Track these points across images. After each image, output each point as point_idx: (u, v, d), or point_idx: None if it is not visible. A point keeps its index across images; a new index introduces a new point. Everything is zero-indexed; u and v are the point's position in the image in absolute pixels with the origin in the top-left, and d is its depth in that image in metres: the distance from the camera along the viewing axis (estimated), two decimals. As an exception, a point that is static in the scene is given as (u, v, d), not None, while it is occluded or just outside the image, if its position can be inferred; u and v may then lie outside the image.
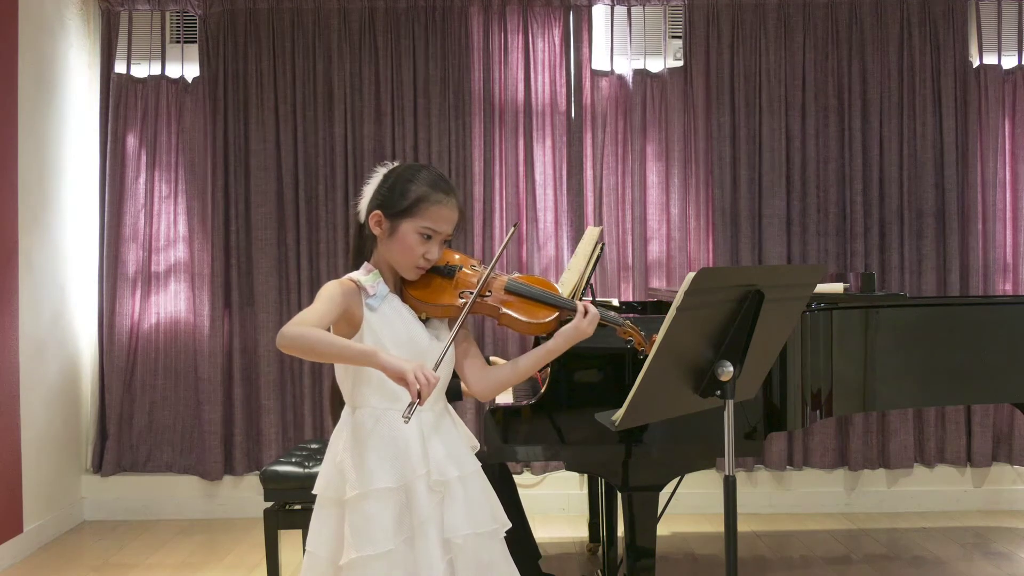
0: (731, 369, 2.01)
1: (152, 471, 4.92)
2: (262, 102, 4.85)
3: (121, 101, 4.87)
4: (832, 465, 4.93)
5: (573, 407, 2.85)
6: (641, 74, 4.92)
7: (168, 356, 4.90)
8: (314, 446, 3.60)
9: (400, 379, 1.83)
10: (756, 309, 2.01)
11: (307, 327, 1.88)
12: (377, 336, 2.02)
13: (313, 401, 4.83)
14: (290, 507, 3.25)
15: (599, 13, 4.99)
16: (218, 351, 4.81)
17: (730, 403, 2.04)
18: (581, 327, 2.08)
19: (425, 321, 2.12)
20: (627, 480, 2.85)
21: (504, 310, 2.11)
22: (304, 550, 2.10)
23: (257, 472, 4.73)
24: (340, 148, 4.86)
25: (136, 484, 4.91)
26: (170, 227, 4.92)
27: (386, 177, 2.11)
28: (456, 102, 4.87)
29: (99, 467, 4.87)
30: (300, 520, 3.31)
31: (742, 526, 4.38)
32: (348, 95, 4.86)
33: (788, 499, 4.96)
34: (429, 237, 2.06)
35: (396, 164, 2.17)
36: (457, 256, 2.18)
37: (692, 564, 4.14)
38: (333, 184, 4.86)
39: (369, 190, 2.12)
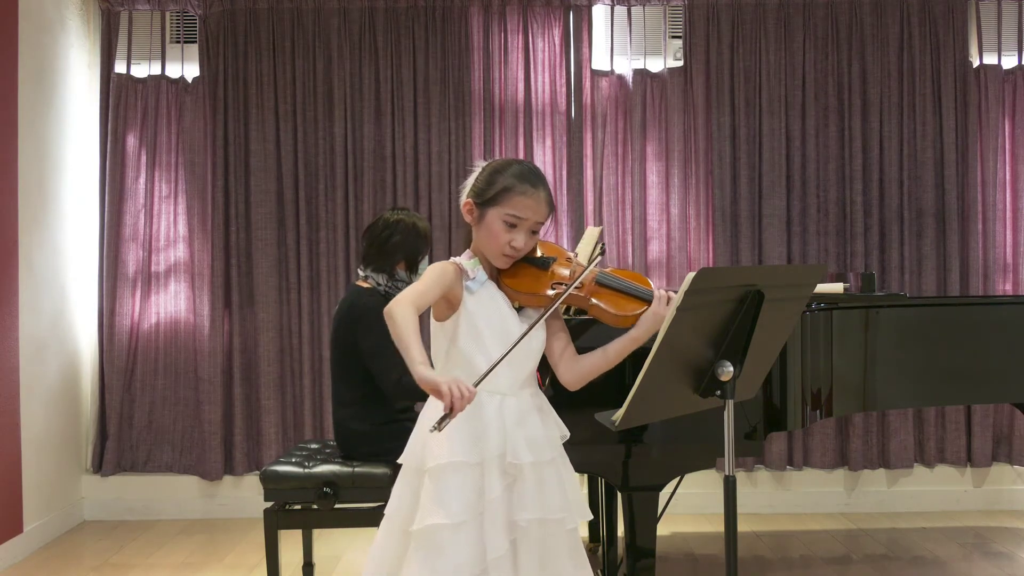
0: (731, 369, 2.02)
1: (152, 471, 4.92)
2: (262, 102, 4.85)
3: (121, 101, 4.87)
4: (832, 465, 4.93)
5: (573, 407, 2.84)
6: (641, 74, 4.92)
7: (168, 356, 4.90)
8: (314, 446, 3.60)
9: (435, 392, 1.89)
10: (756, 309, 2.01)
11: (405, 313, 1.97)
12: (472, 318, 2.11)
13: (313, 401, 4.83)
14: (290, 507, 3.24)
15: (599, 13, 4.99)
16: (218, 351, 4.81)
17: (730, 403, 2.04)
18: (659, 312, 2.15)
19: (519, 310, 2.20)
20: (627, 480, 2.85)
21: (594, 301, 2.18)
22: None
23: (257, 472, 4.73)
24: (340, 148, 4.86)
25: (136, 484, 4.91)
26: (170, 227, 4.92)
27: (482, 170, 2.24)
28: (456, 102, 4.87)
29: (99, 467, 4.87)
30: (300, 520, 3.31)
31: (742, 526, 4.38)
32: (348, 95, 4.86)
33: (788, 499, 4.96)
34: (514, 226, 2.15)
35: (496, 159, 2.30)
36: (553, 249, 2.27)
37: (692, 564, 4.14)
38: (333, 184, 4.86)
39: (468, 183, 2.24)
